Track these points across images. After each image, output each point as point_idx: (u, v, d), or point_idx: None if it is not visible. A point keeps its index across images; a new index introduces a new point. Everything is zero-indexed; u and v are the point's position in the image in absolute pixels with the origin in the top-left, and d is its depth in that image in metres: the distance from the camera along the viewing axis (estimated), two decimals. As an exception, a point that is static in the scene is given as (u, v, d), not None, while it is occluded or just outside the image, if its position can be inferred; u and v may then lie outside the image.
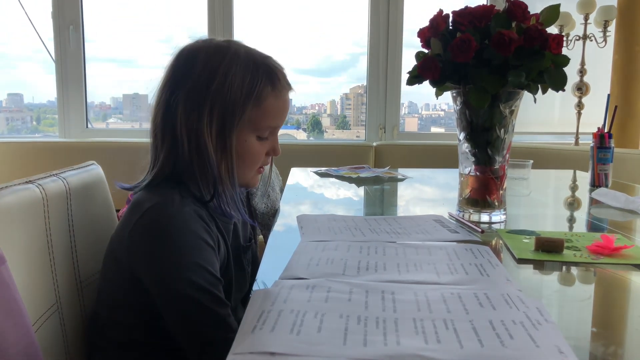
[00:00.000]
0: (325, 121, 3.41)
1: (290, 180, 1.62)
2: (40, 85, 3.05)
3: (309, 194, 1.44)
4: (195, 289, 0.73)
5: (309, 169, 1.81)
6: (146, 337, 0.81)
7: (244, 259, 0.96)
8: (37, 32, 2.81)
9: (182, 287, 0.72)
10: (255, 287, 0.66)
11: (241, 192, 0.98)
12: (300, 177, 1.70)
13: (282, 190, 1.53)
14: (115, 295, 0.82)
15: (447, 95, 1.02)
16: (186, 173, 0.82)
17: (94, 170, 0.99)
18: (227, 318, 0.75)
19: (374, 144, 2.69)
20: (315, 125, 3.39)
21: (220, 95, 0.78)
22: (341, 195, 1.42)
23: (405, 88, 2.84)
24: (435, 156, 2.61)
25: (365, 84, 2.96)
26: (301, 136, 3.38)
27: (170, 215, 0.75)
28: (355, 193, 1.45)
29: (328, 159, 2.55)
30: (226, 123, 0.79)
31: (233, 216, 0.85)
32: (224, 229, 0.87)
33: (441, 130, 3.35)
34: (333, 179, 1.63)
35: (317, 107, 3.41)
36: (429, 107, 3.40)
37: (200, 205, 0.81)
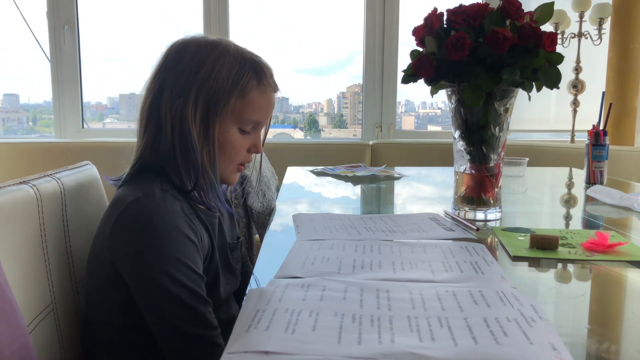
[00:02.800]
0: (322, 120, 3.41)
1: (286, 180, 1.62)
2: (36, 85, 3.04)
3: (305, 193, 1.44)
4: (174, 284, 0.73)
5: (306, 168, 1.81)
6: (137, 338, 0.80)
7: (231, 257, 0.96)
8: (32, 32, 2.80)
9: (161, 282, 0.72)
10: (249, 286, 0.66)
11: (222, 188, 0.98)
12: (297, 176, 1.70)
13: (278, 190, 1.53)
14: (100, 295, 0.81)
15: (444, 93, 1.02)
16: (168, 160, 0.82)
17: (89, 170, 0.98)
18: (206, 315, 0.75)
19: (370, 142, 2.69)
20: (312, 124, 3.38)
21: (206, 83, 0.80)
22: (337, 194, 1.42)
23: (402, 86, 2.84)
24: (431, 154, 2.61)
25: (361, 82, 2.96)
26: (298, 135, 3.38)
27: (151, 209, 0.75)
28: (351, 192, 1.45)
29: (324, 157, 2.55)
30: (210, 110, 0.81)
31: (213, 207, 0.86)
32: (208, 223, 0.87)
33: (438, 128, 3.35)
34: (329, 178, 1.63)
35: (313, 106, 3.41)
36: (426, 105, 3.40)
37: (182, 197, 0.81)
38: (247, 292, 0.60)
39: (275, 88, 0.89)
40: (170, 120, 0.81)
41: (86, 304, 0.86)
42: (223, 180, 0.89)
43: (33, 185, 0.79)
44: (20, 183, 0.78)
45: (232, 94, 0.82)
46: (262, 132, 0.92)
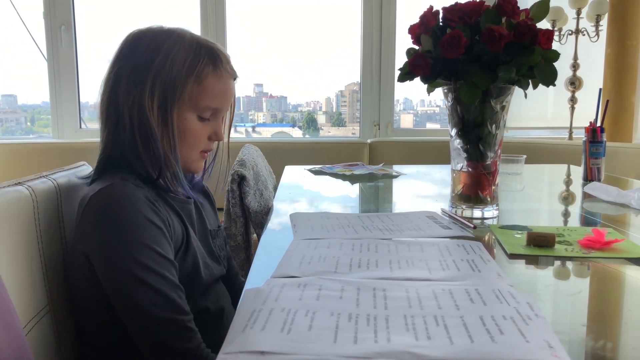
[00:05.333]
0: (321, 118, 3.41)
1: (284, 179, 1.62)
2: (34, 85, 3.03)
3: (303, 192, 1.44)
4: (140, 268, 0.73)
5: (303, 167, 1.80)
6: (127, 336, 0.79)
7: (213, 244, 0.96)
8: (29, 32, 2.79)
9: (127, 266, 0.73)
10: (247, 286, 0.66)
11: (198, 180, 0.99)
12: (294, 175, 1.69)
13: (275, 189, 1.53)
14: (83, 294, 0.81)
15: (441, 91, 1.02)
16: (130, 151, 0.83)
17: (85, 171, 0.98)
18: (176, 300, 0.75)
19: (368, 140, 2.69)
20: (310, 122, 3.38)
21: (162, 70, 0.81)
22: (335, 193, 1.42)
23: (400, 84, 2.85)
24: (429, 152, 2.62)
25: (359, 81, 2.96)
26: (297, 134, 3.38)
27: (112, 197, 0.76)
28: (349, 190, 1.45)
29: (322, 156, 2.55)
30: (167, 98, 0.81)
31: (179, 193, 0.87)
32: (180, 209, 0.87)
33: (436, 126, 3.35)
34: (327, 177, 1.63)
35: (312, 105, 3.41)
36: (424, 103, 3.40)
37: (147, 186, 0.82)
38: (243, 292, 0.60)
39: (233, 74, 0.89)
40: (128, 111, 0.81)
41: (74, 308, 0.85)
42: (187, 168, 0.90)
43: (28, 186, 0.79)
44: (16, 184, 0.78)
45: (189, 81, 0.82)
46: (227, 121, 0.93)
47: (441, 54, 0.90)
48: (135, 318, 0.75)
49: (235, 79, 0.91)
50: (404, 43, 2.83)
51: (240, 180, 1.23)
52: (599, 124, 1.49)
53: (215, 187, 1.03)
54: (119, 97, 0.82)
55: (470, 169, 1.00)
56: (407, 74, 0.98)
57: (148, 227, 0.76)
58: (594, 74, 2.67)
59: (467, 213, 1.02)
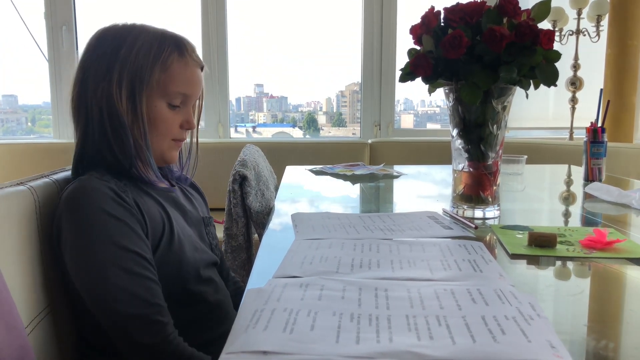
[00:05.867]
0: (321, 119, 3.41)
1: (285, 179, 1.62)
2: (35, 86, 3.03)
3: (304, 192, 1.44)
4: (100, 265, 0.73)
5: (304, 167, 1.81)
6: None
7: (207, 231, 0.98)
8: (30, 33, 2.79)
9: (88, 266, 0.74)
10: (248, 286, 0.66)
11: (169, 169, 1.00)
12: (295, 175, 1.69)
13: (276, 189, 1.53)
14: (77, 295, 0.81)
15: (442, 92, 1.02)
16: (101, 144, 0.83)
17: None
18: (139, 294, 0.74)
19: (369, 141, 2.69)
20: (311, 123, 3.39)
21: (127, 59, 0.82)
22: (336, 193, 1.42)
23: (401, 85, 2.85)
24: (430, 153, 2.62)
25: (360, 81, 2.96)
26: (297, 134, 3.38)
27: (72, 198, 0.77)
28: (350, 191, 1.45)
29: (323, 156, 2.55)
30: (135, 86, 0.82)
31: (153, 181, 0.88)
32: (163, 198, 0.88)
33: (437, 126, 3.35)
34: (328, 177, 1.63)
35: (312, 105, 3.41)
36: (425, 103, 3.40)
37: (119, 178, 0.82)
38: (245, 292, 0.60)
39: (199, 63, 0.90)
40: (97, 103, 0.82)
41: (73, 309, 0.85)
42: (162, 157, 0.90)
43: (30, 186, 0.79)
44: (18, 184, 0.78)
45: (155, 68, 0.83)
46: (196, 111, 0.95)
47: (442, 54, 0.90)
48: (103, 316, 0.75)
49: (202, 68, 0.92)
50: (404, 43, 2.83)
51: (241, 181, 1.23)
52: (599, 124, 1.49)
53: (185, 173, 1.04)
54: (87, 92, 0.83)
55: (471, 169, 1.00)
56: (408, 74, 0.98)
57: (108, 222, 0.75)
58: (594, 74, 2.67)
59: (469, 213, 1.02)
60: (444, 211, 1.07)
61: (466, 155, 1.00)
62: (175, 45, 0.86)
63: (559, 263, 0.75)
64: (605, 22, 2.53)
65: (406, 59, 0.98)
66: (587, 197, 1.29)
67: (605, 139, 1.49)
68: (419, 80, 0.98)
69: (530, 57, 0.89)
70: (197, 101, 0.95)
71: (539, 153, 2.41)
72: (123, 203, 0.78)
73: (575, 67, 2.60)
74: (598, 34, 2.50)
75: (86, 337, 0.85)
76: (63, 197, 0.78)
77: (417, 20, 0.96)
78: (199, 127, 1.01)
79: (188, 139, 0.98)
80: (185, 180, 1.03)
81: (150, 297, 0.75)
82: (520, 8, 0.91)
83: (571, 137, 2.67)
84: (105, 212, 0.76)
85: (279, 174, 1.73)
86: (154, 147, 0.87)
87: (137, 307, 0.74)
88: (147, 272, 0.77)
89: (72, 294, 0.82)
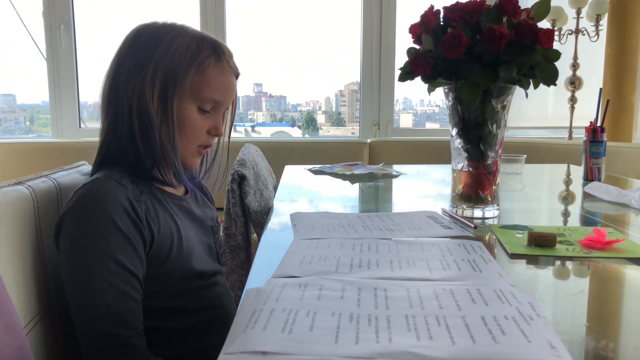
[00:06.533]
0: (321, 118, 3.41)
1: (284, 178, 1.62)
2: (34, 85, 3.03)
3: (303, 192, 1.44)
4: (91, 277, 0.72)
5: (303, 167, 1.80)
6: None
7: (215, 239, 0.96)
8: (29, 32, 2.79)
9: (78, 274, 0.72)
10: (247, 286, 0.66)
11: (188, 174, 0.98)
12: (294, 174, 1.69)
13: (275, 188, 1.53)
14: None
15: (442, 91, 1.02)
16: (127, 141, 0.82)
17: (85, 170, 0.98)
18: (121, 314, 0.73)
19: (368, 140, 2.69)
20: (310, 122, 3.38)
21: (163, 59, 0.80)
22: (335, 193, 1.42)
23: (400, 84, 2.85)
24: (429, 152, 2.61)
25: (359, 80, 2.95)
26: (296, 134, 3.38)
27: (85, 196, 0.74)
28: (349, 190, 1.45)
29: (322, 156, 2.55)
30: (168, 86, 0.80)
31: (174, 184, 0.86)
32: (175, 207, 0.86)
33: (436, 126, 3.35)
34: (327, 177, 1.63)
35: (311, 104, 3.41)
36: (424, 102, 3.40)
37: (140, 181, 0.81)
38: (244, 292, 0.60)
39: (235, 71, 0.89)
40: (127, 99, 0.81)
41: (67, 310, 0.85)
42: (184, 162, 0.88)
43: (29, 186, 0.79)
44: (16, 184, 0.77)
45: (190, 70, 0.81)
46: (228, 120, 0.92)
47: (442, 53, 0.90)
48: (80, 324, 0.73)
49: (237, 76, 0.90)
50: (403, 42, 2.83)
51: (240, 180, 1.22)
52: (599, 123, 1.49)
53: (213, 186, 1.03)
54: (119, 87, 0.81)
55: (470, 169, 1.00)
56: (407, 74, 0.97)
57: (112, 233, 0.73)
58: (593, 74, 2.67)
59: (468, 213, 1.02)
60: (443, 211, 1.06)
61: (465, 154, 1.00)
62: (213, 49, 0.84)
63: (558, 263, 0.75)
64: (604, 22, 2.53)
65: (405, 58, 0.98)
66: (587, 196, 1.29)
67: (605, 139, 1.49)
68: (418, 79, 0.98)
69: (530, 56, 0.88)
70: (230, 108, 0.92)
71: (539, 152, 2.41)
72: (134, 217, 0.76)
73: (575, 66, 2.60)
74: (597, 34, 2.50)
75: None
76: (78, 195, 0.76)
77: (417, 19, 0.96)
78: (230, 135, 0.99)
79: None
80: (198, 184, 1.01)
81: (130, 319, 0.74)
82: (519, 7, 0.91)
83: (570, 137, 2.67)
84: (114, 224, 0.73)
85: (278, 174, 1.73)
86: (179, 150, 0.85)
87: (115, 326, 0.72)
88: (134, 293, 0.75)
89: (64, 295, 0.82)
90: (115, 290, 0.73)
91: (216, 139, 0.92)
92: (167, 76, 0.80)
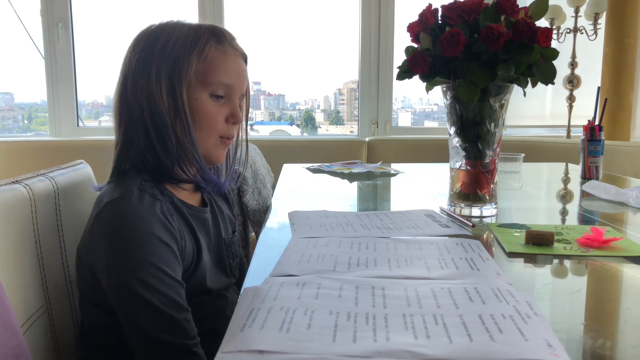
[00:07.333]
0: (319, 116, 3.40)
1: (282, 177, 1.62)
2: (32, 83, 3.02)
3: (301, 191, 1.43)
4: (145, 289, 0.70)
5: (301, 165, 1.80)
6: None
7: (227, 253, 0.93)
8: (27, 30, 2.78)
9: (132, 286, 0.70)
10: (245, 284, 0.65)
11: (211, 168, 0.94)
12: (293, 173, 1.69)
13: (274, 187, 1.53)
14: (88, 295, 0.80)
15: (440, 90, 1.02)
16: (145, 144, 0.80)
17: (83, 169, 0.98)
18: (182, 323, 0.72)
19: (367, 139, 2.69)
20: (308, 120, 3.38)
21: (164, 53, 0.79)
22: (334, 191, 1.42)
23: (399, 83, 2.84)
24: (428, 151, 2.61)
25: (357, 79, 2.95)
26: (295, 132, 3.38)
27: (126, 211, 0.72)
28: (347, 189, 1.45)
29: (320, 154, 2.55)
30: (174, 80, 0.79)
31: (197, 181, 0.84)
32: (195, 220, 0.84)
33: (435, 124, 3.35)
34: (325, 175, 1.62)
35: (310, 103, 3.41)
36: (422, 101, 3.40)
37: (164, 190, 0.79)
38: (242, 290, 0.60)
39: (240, 51, 0.86)
40: (138, 102, 0.80)
41: (79, 306, 0.84)
42: (208, 157, 0.85)
43: (26, 184, 0.78)
44: (13, 182, 0.77)
45: (192, 58, 0.79)
46: (243, 109, 0.88)
47: (440, 52, 0.90)
48: (139, 339, 0.72)
49: (245, 58, 0.88)
50: (402, 41, 2.82)
51: (237, 178, 1.22)
52: (597, 122, 1.49)
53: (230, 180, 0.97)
54: (128, 94, 0.80)
55: (468, 167, 1.00)
56: (405, 72, 0.97)
57: (158, 246, 0.73)
58: (592, 73, 2.67)
59: (466, 211, 1.02)
60: (442, 209, 1.06)
61: (464, 153, 1.00)
62: (211, 33, 0.82)
63: (556, 261, 0.75)
64: (602, 20, 2.53)
65: (404, 57, 0.98)
66: (585, 195, 1.29)
67: (603, 137, 1.49)
68: (416, 78, 0.98)
69: (528, 55, 0.88)
70: (244, 97, 0.89)
71: (537, 151, 2.41)
72: (171, 228, 0.75)
73: (573, 65, 2.60)
74: (595, 32, 2.50)
75: (89, 338, 0.83)
76: (108, 208, 0.73)
77: (415, 17, 0.96)
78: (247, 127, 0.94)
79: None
80: (221, 189, 0.96)
81: (190, 328, 0.73)
82: (518, 6, 0.91)
83: (568, 135, 2.67)
84: (156, 236, 0.72)
85: (276, 172, 1.73)
86: (199, 144, 0.82)
87: (177, 335, 0.71)
88: (185, 303, 0.74)
89: (80, 295, 0.82)
90: (172, 301, 0.72)
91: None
92: (171, 70, 0.79)
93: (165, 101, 0.78)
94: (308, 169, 1.74)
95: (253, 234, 1.30)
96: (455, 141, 1.01)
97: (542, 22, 0.93)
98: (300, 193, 1.39)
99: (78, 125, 2.84)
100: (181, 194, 0.85)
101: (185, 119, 0.79)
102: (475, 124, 0.97)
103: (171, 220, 0.76)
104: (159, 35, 0.81)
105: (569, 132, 2.67)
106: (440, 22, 0.94)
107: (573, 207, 1.22)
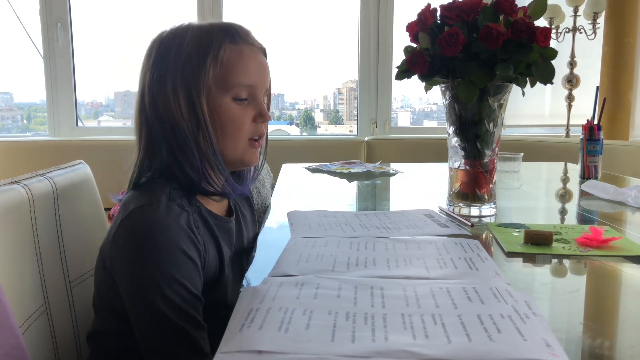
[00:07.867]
0: (318, 116, 3.40)
1: (281, 177, 1.62)
2: (31, 83, 3.02)
3: (300, 190, 1.44)
4: (165, 303, 0.68)
5: (301, 165, 1.80)
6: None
7: (246, 262, 0.90)
8: (25, 30, 2.78)
9: (152, 299, 0.68)
10: (244, 284, 0.66)
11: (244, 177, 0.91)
12: (292, 173, 1.69)
13: (273, 187, 1.53)
14: (103, 301, 0.79)
15: (439, 89, 1.02)
16: (169, 159, 0.77)
17: (82, 170, 0.98)
18: (199, 341, 0.69)
19: (366, 138, 2.69)
20: (308, 120, 3.38)
21: (178, 63, 0.75)
22: (333, 191, 1.42)
23: (398, 82, 2.84)
24: (427, 150, 2.61)
25: (357, 78, 2.95)
26: (294, 132, 3.38)
27: (152, 221, 0.70)
28: (346, 189, 1.45)
29: (320, 154, 2.55)
30: (192, 91, 0.75)
31: (227, 193, 0.81)
32: (220, 231, 0.81)
33: (434, 124, 3.35)
34: (324, 175, 1.63)
35: (309, 102, 3.41)
36: (422, 101, 3.40)
37: (191, 200, 0.77)
38: (241, 290, 0.60)
39: (257, 45, 0.82)
40: (157, 118, 0.76)
41: (93, 307, 0.82)
42: (242, 161, 0.82)
43: (25, 185, 0.78)
44: (12, 183, 0.77)
45: (207, 64, 0.75)
46: (265, 103, 0.83)
47: (439, 51, 0.90)
48: (152, 352, 0.70)
49: (264, 52, 0.83)
50: (401, 41, 2.83)
51: (237, 179, 1.22)
52: (596, 121, 1.49)
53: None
54: (147, 109, 0.77)
55: (467, 167, 1.00)
56: (404, 72, 0.97)
57: (182, 260, 0.70)
58: (591, 72, 2.67)
59: (465, 211, 1.02)
60: (440, 209, 1.07)
61: (462, 153, 1.00)
62: (224, 33, 0.77)
63: (555, 261, 0.75)
64: (601, 20, 2.53)
65: (403, 57, 0.98)
66: (583, 194, 1.29)
67: (602, 137, 1.49)
68: (415, 77, 0.98)
69: (527, 54, 0.89)
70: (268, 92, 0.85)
71: (536, 150, 2.41)
72: (196, 242, 0.73)
73: (572, 64, 2.60)
74: (594, 32, 2.50)
75: (96, 341, 0.81)
76: (135, 215, 0.70)
77: (414, 17, 0.96)
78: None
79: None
80: (246, 192, 0.93)
81: (204, 345, 0.70)
82: (516, 5, 0.91)
83: (567, 135, 2.67)
84: (180, 249, 0.70)
85: (276, 172, 1.73)
86: (229, 152, 0.79)
87: (191, 352, 0.69)
88: (202, 320, 0.72)
89: (95, 296, 0.81)
90: (190, 318, 0.70)
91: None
92: (186, 80, 0.75)
93: (185, 115, 0.75)
94: (307, 168, 1.74)
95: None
96: (454, 141, 1.01)
97: (541, 22, 0.93)
98: (300, 193, 1.39)
99: (77, 125, 2.84)
100: (209, 204, 0.82)
101: (206, 129, 0.76)
102: (474, 124, 0.97)
103: (197, 233, 0.74)
104: (170, 44, 0.77)
105: (567, 131, 2.67)
106: (439, 21, 0.94)
107: (572, 207, 1.22)
